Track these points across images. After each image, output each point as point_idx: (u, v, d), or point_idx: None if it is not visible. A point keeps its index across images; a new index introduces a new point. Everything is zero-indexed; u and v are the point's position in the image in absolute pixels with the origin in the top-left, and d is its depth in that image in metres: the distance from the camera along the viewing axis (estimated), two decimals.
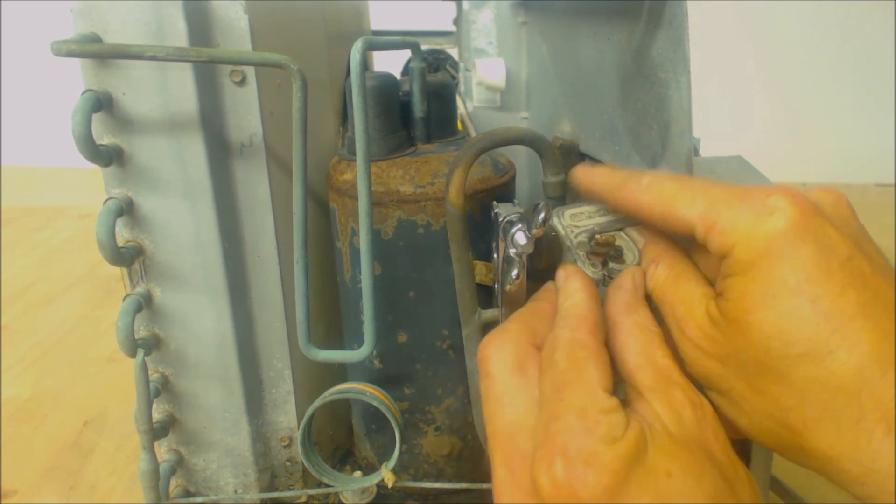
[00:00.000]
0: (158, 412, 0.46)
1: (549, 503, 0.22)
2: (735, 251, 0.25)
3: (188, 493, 0.49)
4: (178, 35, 0.38)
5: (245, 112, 0.42)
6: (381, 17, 0.93)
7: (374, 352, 0.45)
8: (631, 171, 0.31)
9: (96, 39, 0.38)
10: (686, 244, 0.31)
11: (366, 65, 0.38)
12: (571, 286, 0.30)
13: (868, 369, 0.22)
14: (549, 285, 0.32)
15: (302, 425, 0.43)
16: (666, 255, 0.30)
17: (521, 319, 0.30)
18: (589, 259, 0.31)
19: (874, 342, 0.22)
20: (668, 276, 0.30)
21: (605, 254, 0.31)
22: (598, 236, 0.30)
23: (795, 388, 0.23)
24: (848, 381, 0.22)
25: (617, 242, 0.31)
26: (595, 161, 0.51)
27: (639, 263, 0.31)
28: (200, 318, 0.44)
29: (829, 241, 0.24)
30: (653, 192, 0.29)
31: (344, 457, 0.57)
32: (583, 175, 0.34)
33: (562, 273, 0.31)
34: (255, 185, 0.43)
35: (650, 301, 0.30)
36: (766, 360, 0.24)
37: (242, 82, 0.41)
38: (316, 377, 0.51)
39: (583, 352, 0.26)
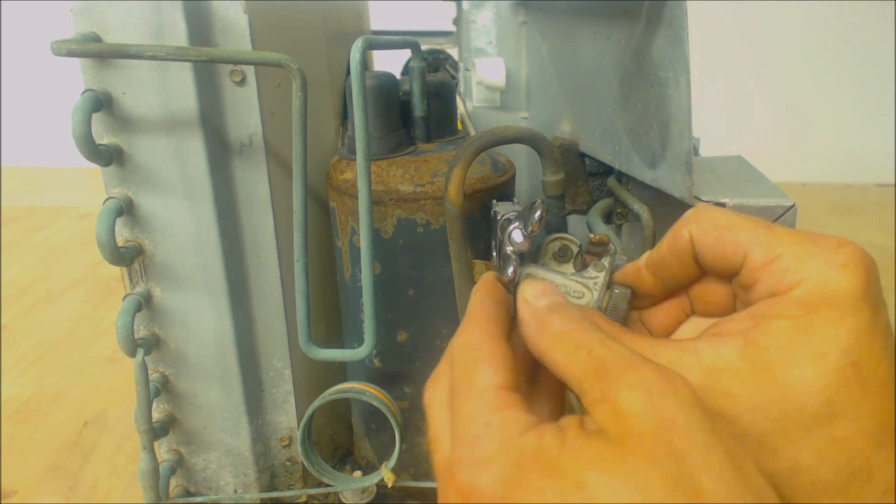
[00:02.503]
0: (158, 412, 0.46)
1: None
2: (796, 292, 0.23)
3: (188, 493, 0.49)
4: (178, 35, 0.38)
5: (245, 112, 0.42)
6: (381, 17, 0.93)
7: (374, 351, 0.45)
8: None
9: (96, 39, 0.38)
10: None
11: (366, 64, 0.38)
12: (474, 291, 0.29)
13: (880, 437, 0.22)
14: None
15: (302, 425, 0.43)
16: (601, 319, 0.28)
17: (449, 350, 0.28)
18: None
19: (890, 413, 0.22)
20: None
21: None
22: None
23: (816, 448, 0.22)
24: (864, 445, 0.22)
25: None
26: (595, 160, 0.51)
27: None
28: (200, 318, 0.44)
29: (880, 307, 0.23)
30: (705, 216, 0.27)
31: (344, 456, 0.57)
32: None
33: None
34: (254, 185, 0.43)
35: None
36: (796, 418, 0.23)
37: (242, 82, 0.41)
38: (316, 377, 0.51)
39: (473, 353, 0.25)
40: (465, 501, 0.21)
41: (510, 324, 0.28)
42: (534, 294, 0.27)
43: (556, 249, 0.32)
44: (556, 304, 0.27)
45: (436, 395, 0.26)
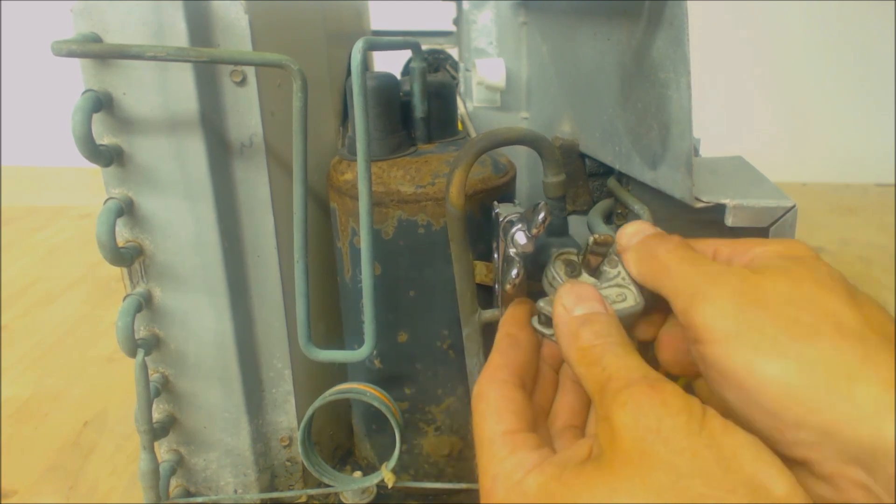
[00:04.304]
0: (158, 412, 0.46)
1: None
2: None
3: (188, 493, 0.49)
4: (178, 35, 0.38)
5: (245, 112, 0.42)
6: (381, 17, 0.93)
7: (375, 352, 0.45)
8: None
9: (96, 39, 0.38)
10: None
11: (366, 65, 0.38)
12: (503, 321, 0.31)
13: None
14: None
15: (302, 425, 0.43)
16: None
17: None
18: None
19: None
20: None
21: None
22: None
23: None
24: None
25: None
26: (595, 161, 0.51)
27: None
28: (200, 318, 0.44)
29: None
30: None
31: (344, 457, 0.57)
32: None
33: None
34: (255, 185, 0.43)
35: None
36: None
37: (243, 82, 0.41)
38: (316, 377, 0.51)
39: (480, 404, 0.27)
40: None
41: (527, 361, 0.30)
42: (572, 300, 0.28)
43: (565, 268, 0.32)
44: (590, 314, 0.27)
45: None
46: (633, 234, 0.30)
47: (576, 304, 0.28)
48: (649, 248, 0.29)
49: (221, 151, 0.42)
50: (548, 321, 0.30)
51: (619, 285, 0.30)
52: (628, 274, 0.30)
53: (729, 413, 0.23)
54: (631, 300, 0.30)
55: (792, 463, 0.22)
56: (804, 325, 0.22)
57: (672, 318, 0.30)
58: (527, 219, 0.33)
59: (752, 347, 0.22)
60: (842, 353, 0.21)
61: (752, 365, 0.22)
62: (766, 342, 0.22)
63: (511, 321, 0.31)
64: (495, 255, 0.39)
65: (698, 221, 0.38)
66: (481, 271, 0.42)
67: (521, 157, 0.60)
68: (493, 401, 0.27)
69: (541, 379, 0.31)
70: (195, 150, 0.40)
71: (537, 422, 0.28)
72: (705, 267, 0.26)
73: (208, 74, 0.40)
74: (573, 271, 0.31)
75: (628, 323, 0.29)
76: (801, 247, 0.26)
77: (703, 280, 0.25)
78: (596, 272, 0.31)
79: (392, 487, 0.44)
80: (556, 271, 0.31)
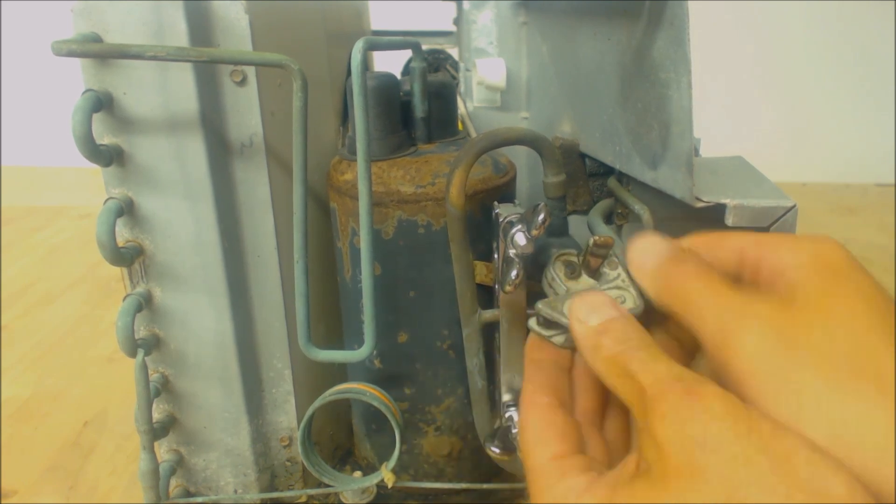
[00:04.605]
0: (158, 412, 0.46)
1: None
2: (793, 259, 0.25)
3: (188, 493, 0.49)
4: (179, 35, 0.38)
5: (245, 112, 0.42)
6: (381, 17, 0.93)
7: (375, 352, 0.45)
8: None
9: (96, 39, 0.38)
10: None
11: (367, 65, 0.38)
12: (527, 347, 0.31)
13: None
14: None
15: (302, 425, 0.43)
16: None
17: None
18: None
19: None
20: None
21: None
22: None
23: None
24: None
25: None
26: (595, 161, 0.51)
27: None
28: (200, 318, 0.44)
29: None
30: (695, 237, 0.29)
31: (344, 457, 0.57)
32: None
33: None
34: (255, 185, 0.43)
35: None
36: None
37: (243, 82, 0.41)
38: (316, 377, 0.51)
39: (525, 432, 0.27)
40: None
41: (559, 378, 0.29)
42: (585, 311, 0.27)
43: (565, 269, 0.32)
44: (606, 322, 0.27)
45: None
46: (647, 252, 0.28)
47: (589, 314, 0.27)
48: (668, 274, 0.27)
49: (221, 151, 0.42)
50: (546, 323, 0.30)
51: (618, 287, 0.30)
52: (628, 276, 0.30)
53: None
54: (630, 303, 0.29)
55: None
56: (845, 375, 0.21)
57: (672, 327, 0.30)
58: (526, 220, 0.33)
59: (796, 404, 0.21)
60: (885, 413, 0.20)
61: (800, 424, 0.21)
62: (810, 398, 0.21)
63: (531, 347, 0.31)
64: (495, 256, 0.39)
65: (698, 221, 0.38)
66: (481, 271, 0.42)
67: (521, 157, 0.60)
68: (536, 426, 0.27)
69: (581, 391, 0.30)
70: (195, 150, 0.40)
71: (587, 436, 0.28)
72: (732, 299, 0.24)
73: (208, 74, 0.40)
74: (573, 272, 0.31)
75: None
76: (834, 251, 0.24)
77: (732, 316, 0.24)
78: (595, 274, 0.31)
79: (392, 487, 0.44)
80: (555, 272, 0.31)
